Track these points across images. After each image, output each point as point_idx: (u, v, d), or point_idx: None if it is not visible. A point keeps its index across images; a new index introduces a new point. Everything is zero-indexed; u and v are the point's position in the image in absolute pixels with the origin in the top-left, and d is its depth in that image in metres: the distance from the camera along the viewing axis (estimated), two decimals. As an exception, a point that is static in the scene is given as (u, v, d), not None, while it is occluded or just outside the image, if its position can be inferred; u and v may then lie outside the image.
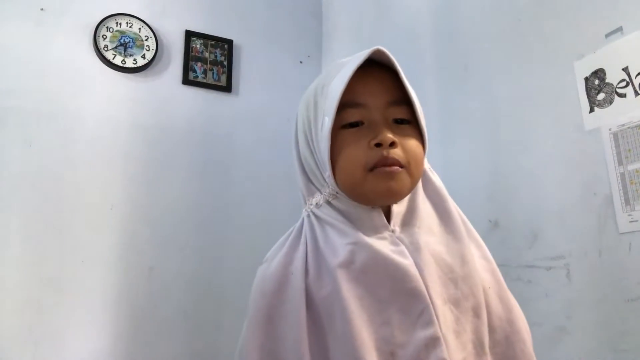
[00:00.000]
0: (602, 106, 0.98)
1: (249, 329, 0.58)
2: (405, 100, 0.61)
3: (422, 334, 0.52)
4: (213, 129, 1.85)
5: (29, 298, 1.46)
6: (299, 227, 0.65)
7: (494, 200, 1.21)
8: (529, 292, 1.07)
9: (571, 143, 1.04)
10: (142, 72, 1.78)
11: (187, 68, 1.85)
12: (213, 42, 1.92)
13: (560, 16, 1.08)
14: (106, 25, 1.74)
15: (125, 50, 1.75)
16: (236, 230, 1.79)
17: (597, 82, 0.99)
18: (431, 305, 0.54)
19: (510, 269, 1.12)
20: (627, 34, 0.95)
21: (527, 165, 1.13)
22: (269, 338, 0.56)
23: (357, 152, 0.58)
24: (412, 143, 0.60)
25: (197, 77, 1.86)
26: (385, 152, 0.57)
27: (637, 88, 0.92)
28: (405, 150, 0.59)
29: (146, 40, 1.79)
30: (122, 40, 1.75)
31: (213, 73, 1.89)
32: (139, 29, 1.79)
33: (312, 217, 0.63)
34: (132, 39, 1.77)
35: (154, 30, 1.81)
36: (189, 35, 1.88)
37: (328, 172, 0.59)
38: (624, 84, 0.95)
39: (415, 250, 0.57)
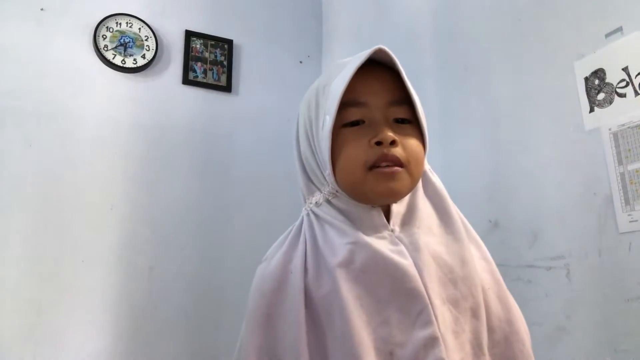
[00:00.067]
0: (602, 106, 0.98)
1: (248, 327, 0.58)
2: (406, 100, 0.61)
3: (421, 334, 0.52)
4: (213, 129, 1.85)
5: (29, 298, 1.46)
6: (299, 225, 0.65)
7: (494, 200, 1.21)
8: (529, 292, 1.07)
9: (571, 143, 1.04)
10: (142, 72, 1.78)
11: (187, 68, 1.85)
12: (213, 42, 1.92)
13: (560, 16, 1.08)
14: (106, 25, 1.74)
15: (125, 50, 1.75)
16: (236, 230, 1.79)
17: (597, 82, 0.99)
18: (430, 305, 0.54)
19: (510, 269, 1.12)
20: (627, 34, 0.95)
21: (527, 165, 1.13)
22: (268, 337, 0.56)
23: (358, 151, 0.58)
24: (413, 142, 0.60)
25: (197, 77, 1.86)
26: (385, 150, 0.57)
27: (637, 88, 0.92)
28: (405, 149, 0.59)
29: (146, 40, 1.79)
30: (122, 40, 1.75)
31: (213, 73, 1.89)
32: (139, 29, 1.79)
33: (312, 216, 0.63)
34: (132, 39, 1.77)
35: (154, 30, 1.81)
36: (189, 35, 1.88)
37: (328, 171, 0.60)
38: (623, 84, 0.95)
39: (414, 250, 0.57)
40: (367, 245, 0.57)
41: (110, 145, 1.68)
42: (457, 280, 0.57)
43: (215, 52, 1.91)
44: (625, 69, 0.94)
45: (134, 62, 1.75)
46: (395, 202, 0.61)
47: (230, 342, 0.64)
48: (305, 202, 0.66)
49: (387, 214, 0.61)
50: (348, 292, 0.54)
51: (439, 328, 0.53)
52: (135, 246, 1.64)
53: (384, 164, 0.57)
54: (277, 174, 1.89)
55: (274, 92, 2.00)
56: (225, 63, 1.92)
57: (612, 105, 0.97)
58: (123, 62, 1.73)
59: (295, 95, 2.00)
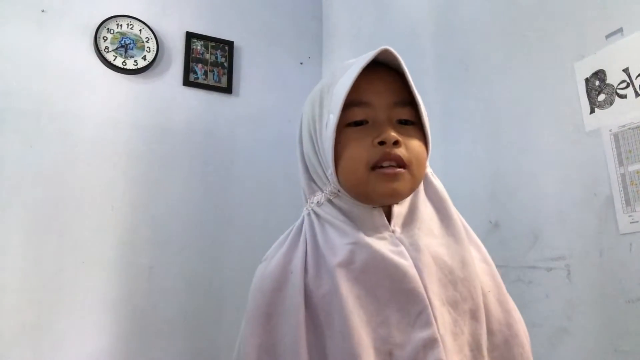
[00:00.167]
0: (603, 107, 0.98)
1: (248, 326, 0.58)
2: (410, 101, 0.62)
3: (420, 335, 0.52)
4: (213, 131, 1.86)
5: (29, 298, 1.46)
6: (299, 225, 0.65)
7: (495, 201, 1.20)
8: (530, 293, 1.07)
9: (571, 144, 1.03)
10: (142, 74, 1.78)
11: (187, 69, 1.85)
12: (214, 44, 1.92)
13: (561, 17, 1.08)
14: (107, 27, 1.74)
15: (126, 52, 1.75)
16: (236, 230, 1.79)
17: (597, 83, 0.99)
18: (429, 306, 0.54)
19: (511, 269, 1.12)
20: (627, 35, 0.95)
21: (528, 166, 1.13)
22: (268, 336, 0.57)
23: (361, 150, 0.58)
24: (416, 144, 0.60)
25: (197, 78, 1.87)
26: (388, 150, 0.57)
27: (638, 89, 0.92)
28: (408, 150, 0.59)
29: (147, 41, 1.79)
30: (122, 42, 1.75)
31: (214, 74, 1.89)
32: (140, 30, 1.79)
33: (313, 215, 0.63)
34: (133, 41, 1.77)
35: (155, 32, 1.81)
36: (190, 36, 1.88)
37: (331, 170, 0.60)
38: (624, 85, 0.95)
39: (415, 251, 0.57)
40: (368, 246, 0.57)
41: (111, 147, 1.68)
42: (457, 282, 0.57)
43: (216, 54, 1.91)
44: (626, 70, 0.94)
45: (135, 63, 1.75)
46: (397, 202, 0.62)
47: (230, 342, 0.64)
48: (307, 201, 0.66)
49: (389, 215, 0.61)
50: (348, 292, 0.54)
51: (438, 329, 0.53)
52: (135, 246, 1.64)
53: (386, 163, 0.58)
54: (277, 175, 1.89)
55: (274, 93, 2.00)
56: (225, 64, 1.92)
57: (612, 106, 0.97)
58: (124, 63, 1.74)
59: (295, 97, 2.01)
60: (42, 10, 1.67)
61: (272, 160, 1.91)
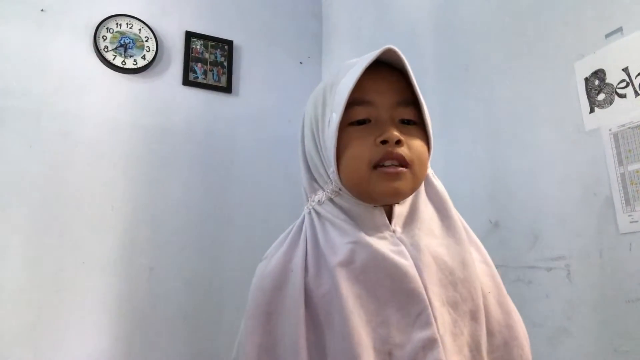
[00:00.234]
0: (602, 106, 0.98)
1: (248, 324, 0.58)
2: (412, 101, 0.62)
3: (420, 335, 0.52)
4: (213, 130, 1.86)
5: (29, 298, 1.46)
6: (299, 224, 0.65)
7: (494, 201, 1.20)
8: (530, 293, 1.07)
9: (571, 143, 1.03)
10: (142, 73, 1.78)
11: (187, 69, 1.85)
12: (213, 43, 1.92)
13: (561, 16, 1.08)
14: (106, 26, 1.74)
15: (125, 51, 1.75)
16: (236, 230, 1.79)
17: (597, 82, 0.99)
18: (429, 307, 0.54)
19: (511, 269, 1.12)
20: (627, 34, 0.95)
21: (527, 166, 1.13)
22: (267, 334, 0.57)
23: (363, 149, 0.58)
24: (418, 143, 0.60)
25: (197, 78, 1.86)
26: (390, 149, 0.58)
27: (637, 88, 0.92)
28: (410, 149, 0.59)
29: (146, 41, 1.79)
30: (122, 41, 1.75)
31: (213, 74, 1.89)
32: (139, 29, 1.79)
33: (313, 214, 0.63)
34: (133, 40, 1.77)
35: (154, 31, 1.81)
36: (189, 36, 1.88)
37: (333, 168, 0.60)
38: (624, 84, 0.95)
39: (415, 251, 0.57)
40: (368, 245, 0.57)
41: (111, 146, 1.68)
42: (457, 283, 0.57)
43: (216, 53, 1.91)
44: (626, 70, 0.94)
45: (134, 63, 1.75)
46: (398, 202, 0.62)
47: (230, 342, 0.64)
48: (308, 200, 0.66)
49: (390, 215, 0.61)
50: (348, 292, 0.54)
51: (438, 330, 0.53)
52: (135, 246, 1.64)
53: (388, 162, 0.58)
54: (277, 175, 1.89)
55: (274, 92, 2.00)
56: (225, 64, 1.92)
57: (612, 105, 0.96)
58: (123, 63, 1.74)
59: (295, 96, 2.01)
60: (42, 10, 1.67)
61: (271, 160, 1.91)
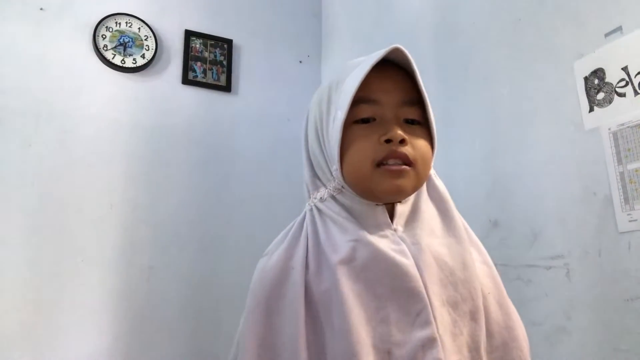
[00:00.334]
0: (602, 106, 0.98)
1: (247, 320, 0.58)
2: (417, 101, 0.62)
3: (419, 334, 0.52)
4: (213, 129, 1.85)
5: (28, 298, 1.46)
6: (300, 221, 0.65)
7: (494, 200, 1.21)
8: (529, 292, 1.07)
9: (571, 142, 1.04)
10: (141, 72, 1.78)
11: (186, 68, 1.85)
12: (213, 42, 1.92)
13: (560, 16, 1.08)
14: (105, 25, 1.74)
15: (124, 50, 1.75)
16: (236, 229, 1.79)
17: (596, 81, 0.99)
18: (429, 306, 0.54)
19: (510, 268, 1.12)
20: (626, 33, 0.95)
21: (527, 165, 1.13)
22: (267, 331, 0.57)
23: (367, 147, 0.58)
24: (422, 143, 0.61)
25: (196, 76, 1.86)
26: (394, 147, 0.58)
27: (637, 87, 0.92)
28: (414, 148, 0.59)
29: (146, 40, 1.79)
30: (121, 40, 1.75)
31: (213, 73, 1.89)
32: (139, 28, 1.79)
33: (315, 211, 0.63)
34: (132, 39, 1.77)
35: (154, 30, 1.81)
36: (189, 34, 1.88)
37: (336, 166, 0.60)
38: (623, 83, 0.95)
39: (416, 250, 0.58)
40: (369, 243, 0.57)
41: (110, 145, 1.68)
42: (458, 283, 0.57)
43: (215, 52, 1.91)
44: (625, 69, 0.94)
45: (134, 61, 1.75)
46: (400, 200, 0.62)
47: (230, 342, 0.64)
48: (310, 197, 0.66)
49: (391, 214, 0.61)
50: (348, 289, 0.54)
51: (437, 329, 0.53)
52: (135, 246, 1.64)
53: (391, 161, 0.58)
54: (276, 173, 1.89)
55: (273, 91, 2.00)
56: (224, 63, 1.92)
57: (611, 104, 0.97)
58: (122, 61, 1.73)
59: (295, 95, 2.01)
60: (41, 9, 1.66)
61: (271, 159, 1.91)
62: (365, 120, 0.60)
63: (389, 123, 0.59)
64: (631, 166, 0.92)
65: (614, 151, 0.95)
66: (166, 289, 1.64)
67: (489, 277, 0.62)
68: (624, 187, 0.93)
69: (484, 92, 1.27)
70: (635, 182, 0.91)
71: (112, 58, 1.72)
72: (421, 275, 0.55)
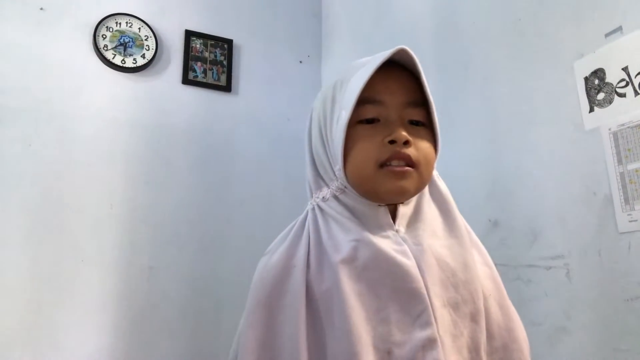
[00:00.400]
0: (602, 106, 0.98)
1: (248, 318, 0.58)
2: (422, 102, 0.62)
3: (420, 335, 0.53)
4: (213, 129, 1.85)
5: (28, 298, 1.46)
6: (302, 220, 0.65)
7: (494, 200, 1.21)
8: (529, 292, 1.07)
9: (571, 143, 1.04)
10: (141, 72, 1.78)
11: (186, 68, 1.85)
12: (213, 42, 1.92)
13: (560, 16, 1.08)
14: (106, 25, 1.74)
15: (125, 50, 1.75)
16: (236, 229, 1.79)
17: (596, 81, 0.99)
18: (430, 307, 0.54)
19: (510, 268, 1.12)
20: (626, 33, 0.95)
21: (527, 165, 1.13)
22: (267, 329, 0.57)
23: (370, 147, 0.58)
24: (425, 145, 0.61)
25: (196, 76, 1.86)
26: (398, 149, 0.58)
27: (637, 88, 0.92)
28: (418, 150, 0.59)
29: (146, 39, 1.79)
30: (121, 40, 1.75)
31: (213, 73, 1.89)
32: (139, 28, 1.79)
33: (317, 210, 0.63)
34: (132, 39, 1.77)
35: (154, 30, 1.81)
36: (189, 34, 1.88)
37: (339, 165, 0.60)
38: (623, 83, 0.95)
39: (418, 251, 0.58)
40: (371, 243, 0.57)
41: (110, 145, 1.68)
42: (459, 284, 0.57)
43: (215, 52, 1.91)
44: (625, 69, 0.94)
45: (134, 61, 1.75)
46: (403, 201, 0.62)
47: (230, 342, 0.64)
48: (312, 196, 0.66)
49: (394, 215, 0.61)
50: (349, 289, 0.54)
51: (437, 330, 0.53)
52: (134, 245, 1.64)
53: (395, 162, 0.58)
54: (276, 173, 1.89)
55: (273, 91, 2.00)
56: (225, 63, 1.92)
57: (611, 105, 0.97)
58: (123, 61, 1.73)
59: (295, 95, 2.01)
60: (41, 8, 1.66)
61: (271, 158, 1.91)
62: (370, 121, 0.60)
63: (393, 124, 0.59)
64: (631, 166, 0.92)
65: (614, 151, 0.95)
66: (166, 289, 1.64)
67: (490, 278, 0.62)
68: (624, 187, 0.93)
69: (484, 92, 1.27)
70: (635, 182, 0.91)
71: (113, 58, 1.72)
72: (422, 276, 0.55)
